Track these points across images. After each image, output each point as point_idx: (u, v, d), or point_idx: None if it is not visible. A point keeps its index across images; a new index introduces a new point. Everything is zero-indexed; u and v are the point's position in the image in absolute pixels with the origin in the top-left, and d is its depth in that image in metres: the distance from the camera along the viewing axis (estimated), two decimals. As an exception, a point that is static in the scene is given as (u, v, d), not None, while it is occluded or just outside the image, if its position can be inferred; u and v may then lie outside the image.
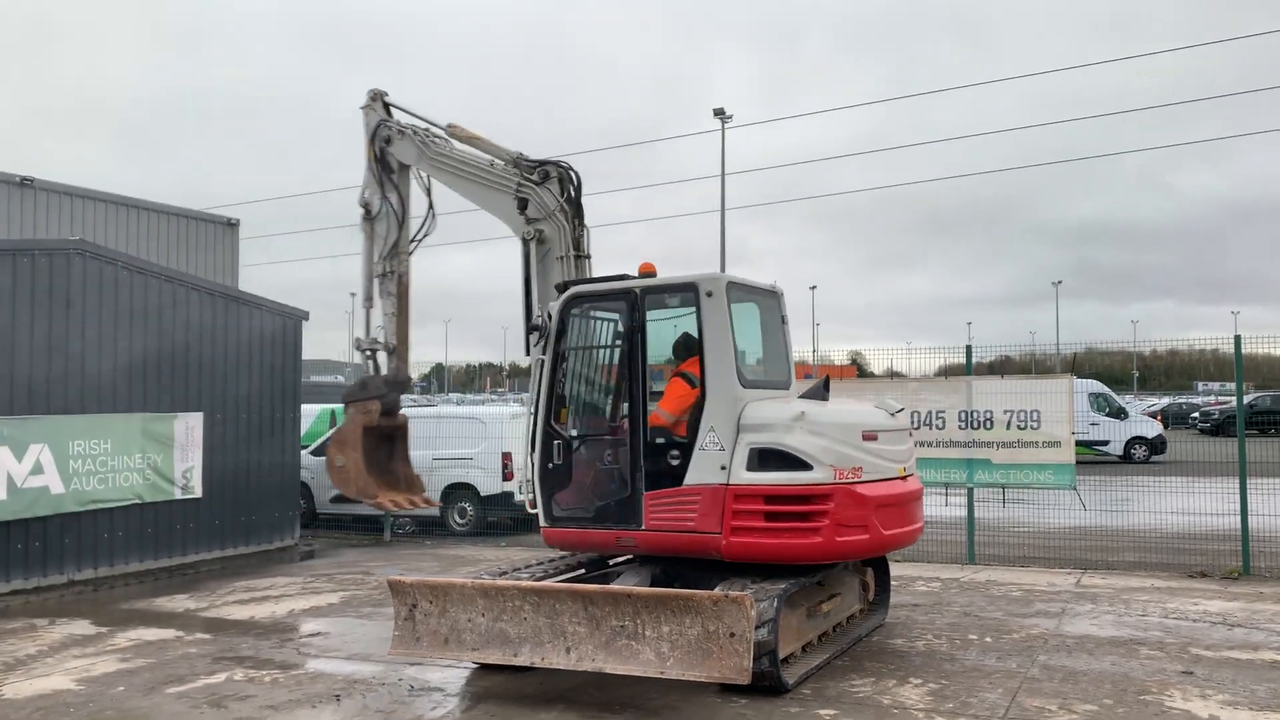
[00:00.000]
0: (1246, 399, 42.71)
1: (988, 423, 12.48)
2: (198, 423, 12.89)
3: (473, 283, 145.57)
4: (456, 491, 16.25)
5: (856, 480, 7.44)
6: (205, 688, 7.41)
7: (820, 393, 7.91)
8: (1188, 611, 9.46)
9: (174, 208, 19.65)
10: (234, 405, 13.42)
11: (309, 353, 16.01)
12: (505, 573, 8.20)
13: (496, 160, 9.42)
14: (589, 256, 9.02)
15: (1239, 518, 11.66)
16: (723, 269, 33.42)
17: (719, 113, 32.01)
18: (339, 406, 21.80)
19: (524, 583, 7.18)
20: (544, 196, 8.97)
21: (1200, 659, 7.75)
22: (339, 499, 16.89)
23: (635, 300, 8.00)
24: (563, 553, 8.90)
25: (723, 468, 7.47)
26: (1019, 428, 12.35)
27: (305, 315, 14.76)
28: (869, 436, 7.67)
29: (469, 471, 16.15)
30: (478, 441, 16.25)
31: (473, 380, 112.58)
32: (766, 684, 6.81)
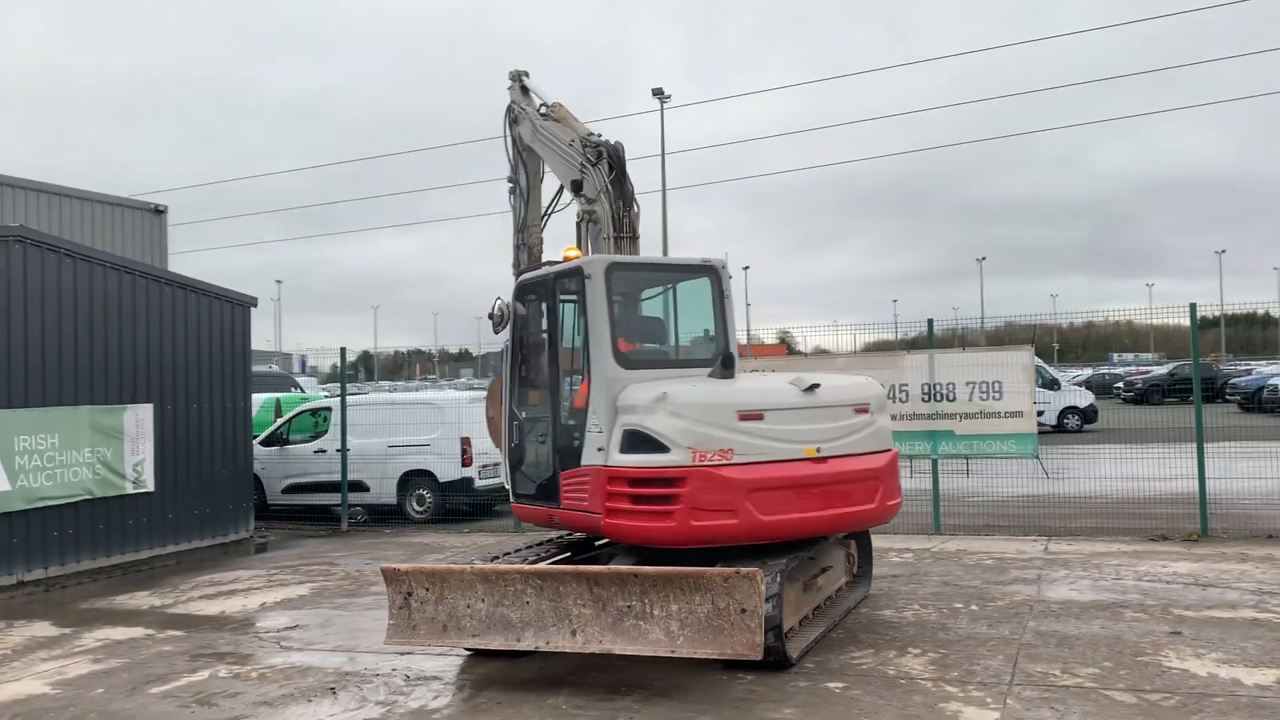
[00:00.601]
0: (1167, 368, 43.97)
1: (950, 395, 12.63)
2: (148, 414, 12.43)
3: (404, 267, 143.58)
4: (414, 479, 16.00)
5: (723, 463, 7.12)
6: (190, 686, 7.14)
7: (721, 371, 7.73)
8: (1159, 574, 9.67)
9: (95, 194, 18.86)
10: (184, 395, 12.97)
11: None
12: (496, 558, 8.04)
13: (575, 139, 9.20)
14: (636, 237, 8.82)
15: (1196, 482, 11.99)
16: (665, 252, 33.40)
17: (658, 93, 31.86)
18: (286, 395, 21.38)
19: (526, 566, 7.04)
20: (595, 177, 8.85)
21: (1184, 619, 7.91)
22: (292, 489, 16.58)
23: (545, 287, 8.36)
24: (541, 537, 8.88)
25: (600, 449, 7.50)
26: (981, 399, 12.52)
27: (254, 301, 14.33)
28: (748, 416, 7.29)
29: (426, 458, 15.90)
30: (434, 427, 15.99)
31: (401, 368, 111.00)
32: (772, 659, 6.77)
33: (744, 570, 6.32)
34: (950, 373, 12.63)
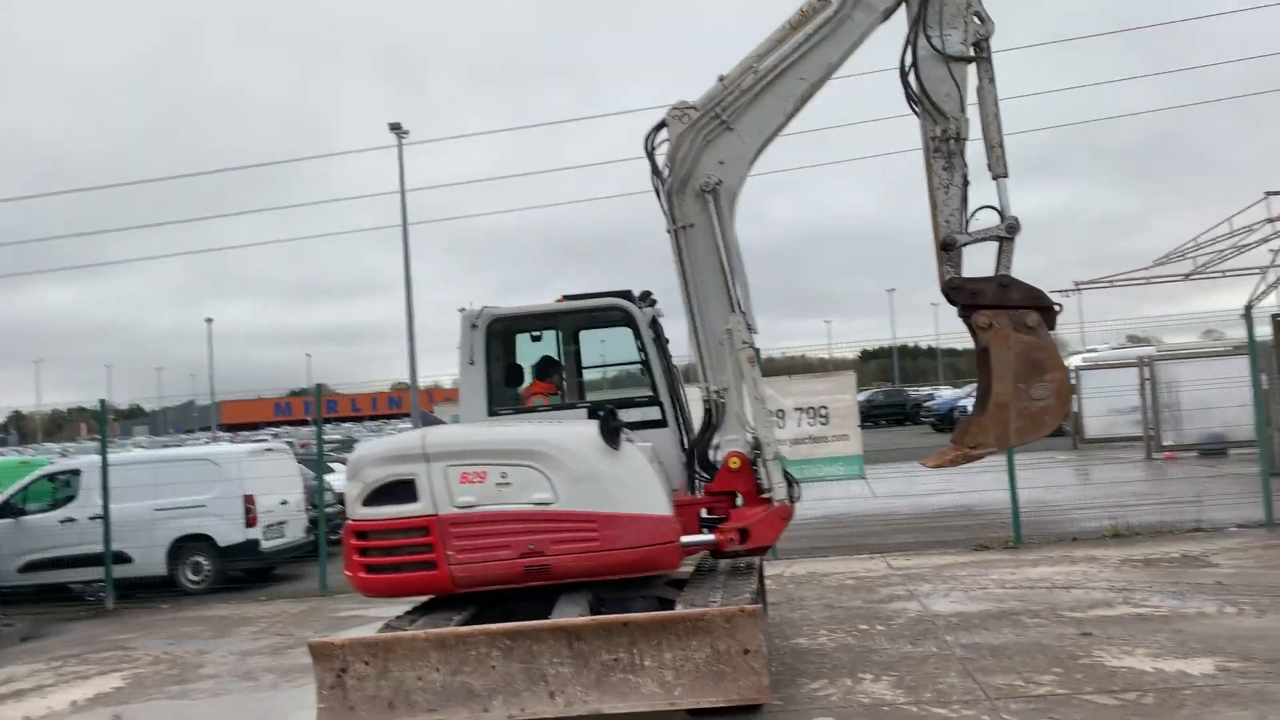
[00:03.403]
0: (863, 395, 47.45)
1: (779, 421, 12.84)
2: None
3: (70, 317, 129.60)
4: (188, 545, 14.18)
5: None
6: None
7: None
8: (1016, 580, 10.20)
9: None
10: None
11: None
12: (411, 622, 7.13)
13: None
14: None
15: (972, 495, 12.99)
16: (408, 288, 32.19)
17: (395, 127, 30.66)
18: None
19: (492, 626, 6.27)
20: None
21: (1081, 621, 8.33)
22: (32, 566, 14.25)
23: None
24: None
25: None
26: (809, 424, 12.83)
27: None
28: None
29: (203, 520, 14.15)
30: (211, 485, 14.28)
31: (61, 427, 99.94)
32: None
33: (747, 608, 5.97)
34: (778, 401, 12.83)
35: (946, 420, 39.00)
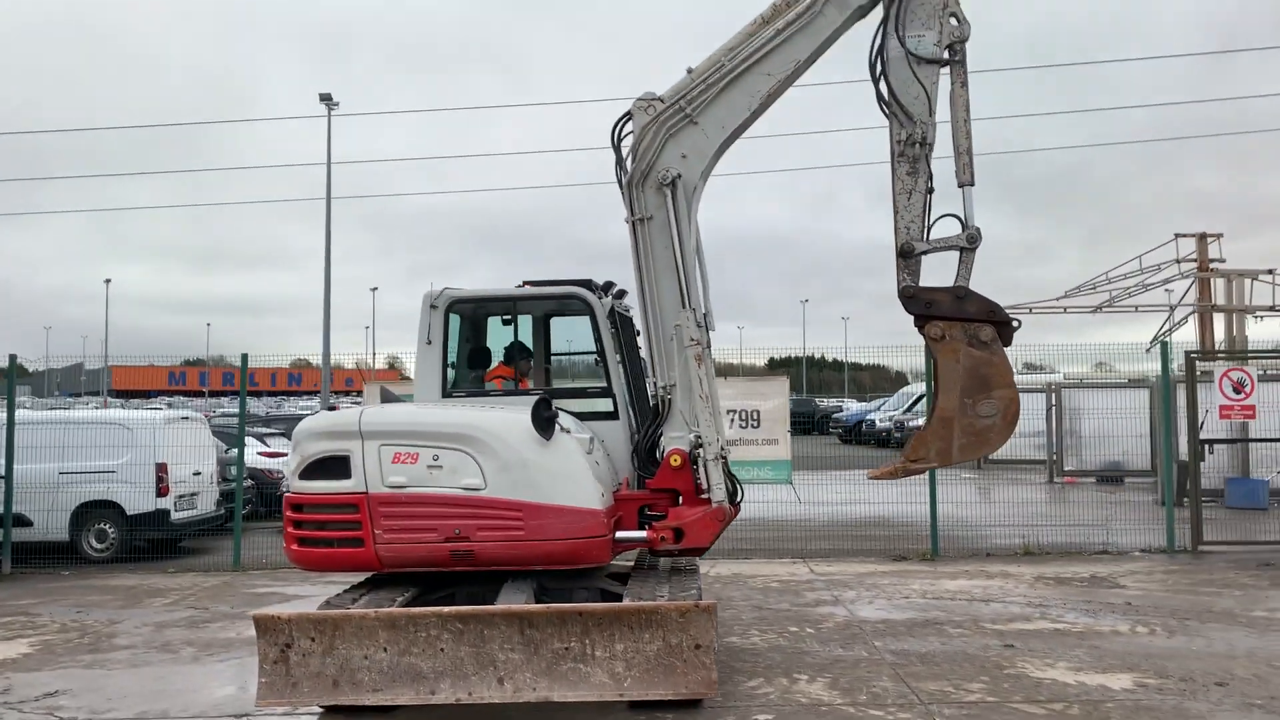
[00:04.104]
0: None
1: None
2: None
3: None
4: (94, 511, 13.69)
5: None
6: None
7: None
8: (937, 591, 10.48)
9: None
10: None
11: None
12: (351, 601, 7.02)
13: None
14: None
15: (892, 507, 13.56)
16: (327, 264, 31.51)
17: (325, 98, 29.91)
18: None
19: (445, 609, 6.20)
20: None
21: (1002, 633, 8.60)
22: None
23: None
24: (298, 575, 8.13)
25: None
26: (741, 427, 12.97)
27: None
28: None
29: (111, 487, 13.67)
30: (121, 451, 13.80)
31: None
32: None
33: (702, 604, 6.02)
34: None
35: (853, 432, 39.88)
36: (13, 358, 13.73)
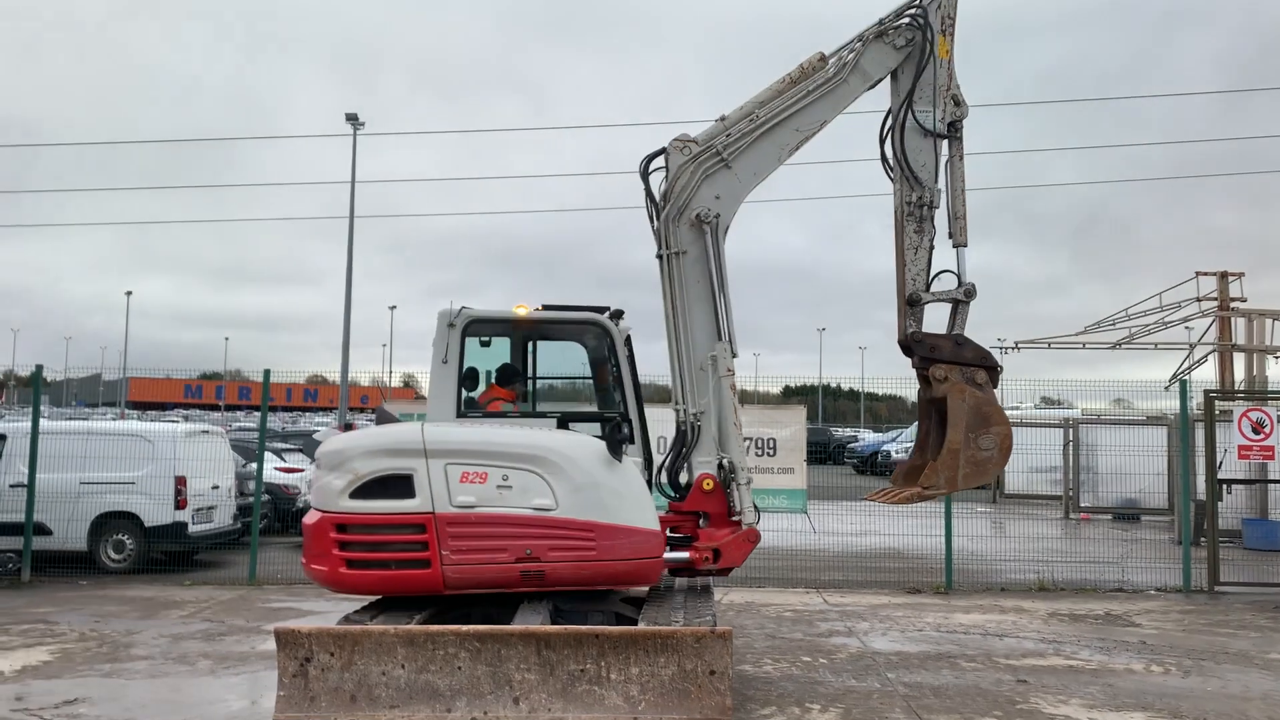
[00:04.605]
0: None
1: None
2: None
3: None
4: (112, 522, 13.79)
5: None
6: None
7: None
8: (950, 625, 10.46)
9: None
10: None
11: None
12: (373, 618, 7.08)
13: None
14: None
15: (898, 539, 13.59)
16: (348, 282, 31.70)
17: (351, 118, 30.27)
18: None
19: (463, 627, 6.25)
20: None
21: (1015, 668, 8.59)
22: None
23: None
24: (311, 592, 8.12)
25: None
26: (758, 455, 13.00)
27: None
28: None
29: (130, 498, 13.78)
30: (142, 463, 13.92)
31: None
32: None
33: (718, 630, 6.06)
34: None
35: (869, 463, 39.71)
36: (38, 368, 13.89)
